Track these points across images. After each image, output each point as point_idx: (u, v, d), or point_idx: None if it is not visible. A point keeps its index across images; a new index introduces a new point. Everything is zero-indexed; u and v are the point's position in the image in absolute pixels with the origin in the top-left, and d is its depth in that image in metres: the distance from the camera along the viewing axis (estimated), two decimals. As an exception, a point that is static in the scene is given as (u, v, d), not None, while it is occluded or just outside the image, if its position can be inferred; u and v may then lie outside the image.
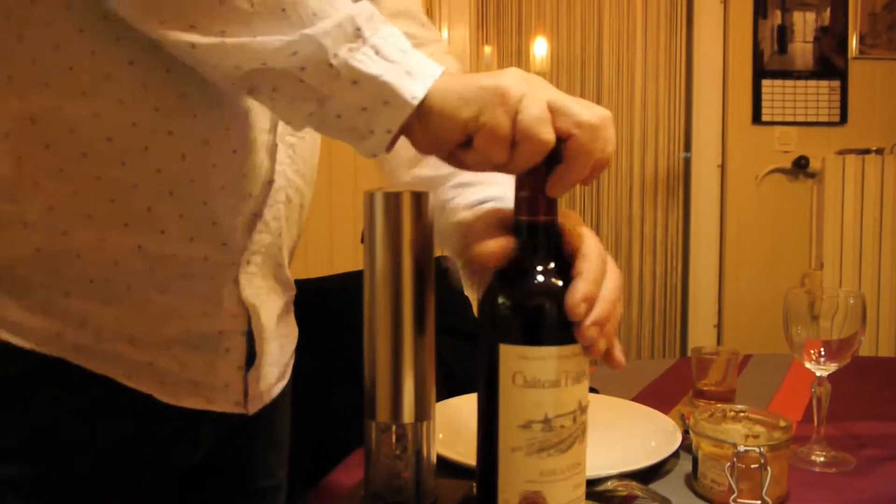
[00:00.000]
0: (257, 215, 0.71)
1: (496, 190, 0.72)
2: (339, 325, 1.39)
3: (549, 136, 0.54)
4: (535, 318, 0.58)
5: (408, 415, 0.62)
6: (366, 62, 0.54)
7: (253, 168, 0.70)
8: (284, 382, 0.86)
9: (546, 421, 0.57)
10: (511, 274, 0.59)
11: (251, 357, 0.75)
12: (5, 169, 0.61)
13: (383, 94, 0.54)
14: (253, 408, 0.77)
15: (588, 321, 0.56)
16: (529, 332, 0.58)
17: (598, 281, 0.58)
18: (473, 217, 0.68)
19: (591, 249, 0.59)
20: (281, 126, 0.71)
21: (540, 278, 0.59)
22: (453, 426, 0.90)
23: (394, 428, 0.63)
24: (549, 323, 0.58)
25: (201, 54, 0.55)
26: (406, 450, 0.63)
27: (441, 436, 0.87)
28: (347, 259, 2.77)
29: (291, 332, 0.86)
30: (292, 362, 0.88)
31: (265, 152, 0.70)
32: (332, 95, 0.55)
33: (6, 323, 0.63)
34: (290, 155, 0.74)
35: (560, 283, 0.58)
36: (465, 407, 0.97)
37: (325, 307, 1.45)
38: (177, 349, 0.69)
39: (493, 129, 0.54)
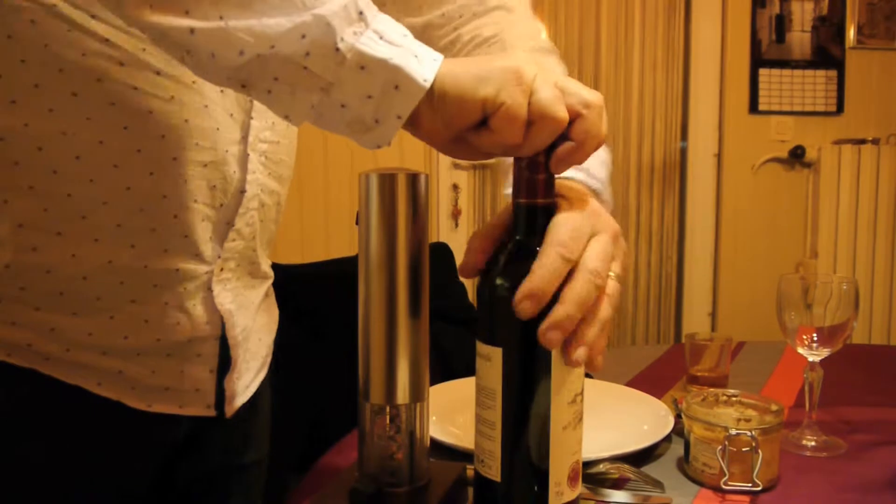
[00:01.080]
0: (229, 224, 0.71)
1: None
2: (334, 309, 1.39)
3: (564, 114, 0.54)
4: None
5: (402, 396, 0.62)
6: (372, 45, 0.51)
7: (224, 180, 0.69)
8: (264, 373, 0.86)
9: (581, 393, 0.61)
10: (515, 258, 0.59)
11: (226, 359, 0.75)
12: None
13: (394, 77, 0.52)
14: (232, 408, 0.78)
15: (544, 325, 0.55)
16: None
17: (551, 278, 0.55)
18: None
19: (551, 240, 0.56)
20: (252, 134, 0.71)
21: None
22: (447, 409, 0.91)
23: (388, 409, 0.63)
24: None
25: (201, 40, 0.51)
26: (400, 431, 0.63)
27: (434, 418, 0.88)
28: (343, 243, 2.77)
29: (271, 320, 0.86)
30: (271, 351, 0.88)
31: (236, 163, 0.70)
32: (337, 82, 0.52)
33: None
34: (263, 162, 0.73)
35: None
36: (458, 390, 0.97)
37: (321, 291, 1.46)
38: (147, 357, 0.69)
39: (511, 108, 0.53)
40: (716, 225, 3.09)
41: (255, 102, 0.70)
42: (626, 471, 0.76)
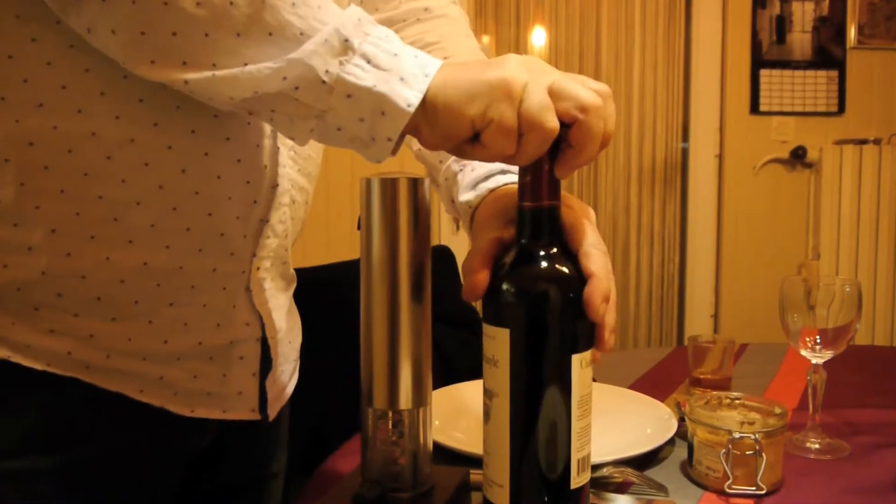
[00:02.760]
0: (264, 221, 0.70)
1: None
2: (336, 314, 1.39)
3: (553, 123, 0.54)
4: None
5: (404, 401, 0.62)
6: (358, 74, 0.54)
7: (257, 175, 0.69)
8: (296, 378, 0.86)
9: (590, 393, 0.62)
10: (522, 262, 0.60)
11: (266, 360, 0.75)
12: (7, 194, 0.60)
13: (379, 104, 0.54)
14: (273, 411, 0.77)
15: (608, 333, 0.61)
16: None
17: (611, 277, 0.61)
18: (477, 200, 0.72)
19: (597, 246, 0.61)
20: None
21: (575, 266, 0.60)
22: (449, 413, 0.91)
23: (390, 414, 0.63)
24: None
25: (196, 89, 0.56)
26: (403, 436, 0.63)
27: (437, 423, 0.88)
28: (344, 248, 2.77)
29: (297, 324, 0.86)
30: (299, 356, 0.88)
31: (268, 157, 0.69)
32: (329, 109, 0.55)
33: (17, 345, 0.62)
34: (293, 157, 0.73)
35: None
36: (461, 394, 0.97)
37: (322, 296, 1.45)
38: (189, 361, 0.69)
39: (500, 124, 0.54)
40: (717, 226, 3.09)
41: None
42: (630, 474, 0.76)
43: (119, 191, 0.62)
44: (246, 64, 0.54)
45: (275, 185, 0.71)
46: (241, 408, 0.73)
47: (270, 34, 0.54)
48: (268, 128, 0.69)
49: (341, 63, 0.54)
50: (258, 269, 0.71)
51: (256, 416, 0.74)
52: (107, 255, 0.63)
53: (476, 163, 0.74)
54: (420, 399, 0.63)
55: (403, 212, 0.60)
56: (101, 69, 0.60)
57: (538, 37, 3.07)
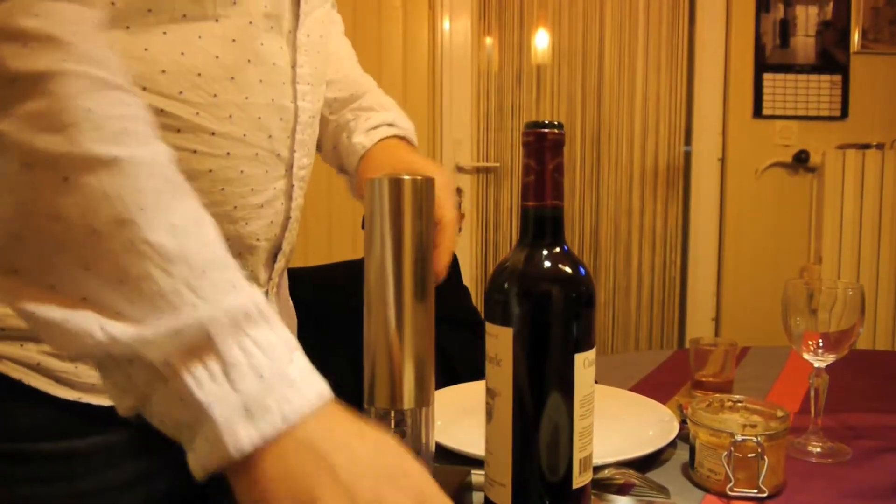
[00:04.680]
0: (279, 248, 0.75)
1: (389, 115, 0.88)
2: (339, 313, 1.39)
3: None
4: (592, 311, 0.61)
5: (407, 401, 0.62)
6: (201, 379, 0.42)
7: (276, 214, 0.73)
8: None
9: (592, 393, 0.62)
10: (542, 263, 0.60)
11: None
12: None
13: (206, 427, 0.42)
14: None
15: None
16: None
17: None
18: (370, 143, 0.84)
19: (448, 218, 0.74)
20: (295, 164, 0.74)
21: (581, 271, 0.61)
22: (451, 414, 0.91)
23: (392, 414, 0.63)
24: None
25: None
26: (405, 436, 0.63)
27: (439, 423, 0.87)
28: (346, 247, 2.77)
29: (290, 312, 0.89)
30: None
31: (283, 196, 0.73)
32: (154, 398, 0.44)
33: (83, 386, 0.63)
34: (301, 186, 0.77)
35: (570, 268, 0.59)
36: (463, 395, 0.97)
37: (325, 295, 1.46)
38: None
39: None
40: (719, 229, 3.09)
41: (297, 135, 0.73)
42: (632, 476, 0.76)
43: None
44: (84, 300, 0.42)
45: (289, 218, 0.75)
46: None
47: (121, 282, 0.42)
48: (283, 169, 0.72)
49: (190, 358, 0.42)
50: (273, 287, 0.76)
51: None
52: None
53: (371, 113, 0.88)
54: (423, 399, 0.63)
55: (408, 211, 0.60)
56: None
57: (541, 39, 3.07)
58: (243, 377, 0.42)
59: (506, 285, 0.60)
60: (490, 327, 0.60)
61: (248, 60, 0.65)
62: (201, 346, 0.42)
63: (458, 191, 2.97)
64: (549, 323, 0.59)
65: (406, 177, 0.60)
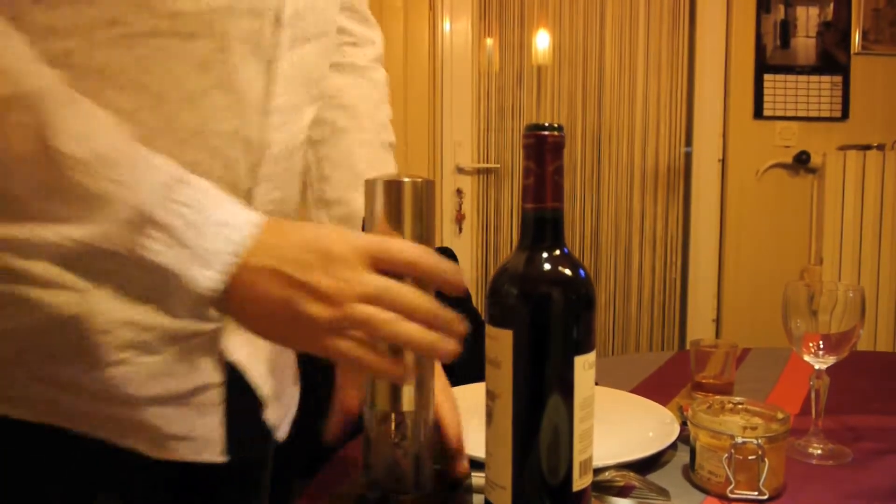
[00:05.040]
0: None
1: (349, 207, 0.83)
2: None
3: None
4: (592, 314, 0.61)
5: (407, 403, 0.62)
6: (153, 248, 0.51)
7: None
8: (299, 384, 0.87)
9: (592, 396, 0.62)
10: (543, 266, 0.60)
11: (253, 399, 0.75)
12: None
13: (173, 282, 0.52)
14: (283, 433, 0.79)
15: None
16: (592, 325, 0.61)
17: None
18: None
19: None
20: (257, 200, 0.70)
21: (581, 273, 0.60)
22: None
23: (393, 416, 0.63)
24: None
25: None
26: (405, 437, 0.63)
27: (440, 425, 0.87)
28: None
29: None
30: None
31: None
32: (119, 275, 0.53)
33: (11, 399, 0.62)
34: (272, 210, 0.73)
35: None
36: (463, 397, 0.97)
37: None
38: (163, 407, 0.69)
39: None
40: (720, 230, 3.09)
41: (262, 168, 0.69)
42: (632, 478, 0.76)
43: None
44: (32, 219, 0.50)
45: None
46: (211, 451, 0.73)
47: (58, 193, 0.50)
48: (242, 196, 0.68)
49: (137, 234, 0.51)
50: (230, 322, 0.72)
51: (224, 459, 0.74)
52: (92, 309, 0.63)
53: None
54: (423, 400, 0.63)
55: (408, 213, 0.60)
56: None
57: (542, 40, 3.07)
58: (185, 234, 0.51)
59: (506, 287, 0.60)
60: (490, 329, 0.60)
61: (215, 86, 0.62)
62: (143, 222, 0.51)
63: (459, 192, 2.97)
64: (548, 325, 0.59)
65: (406, 179, 0.60)
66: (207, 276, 0.52)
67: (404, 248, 0.56)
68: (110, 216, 0.50)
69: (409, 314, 0.55)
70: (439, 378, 0.77)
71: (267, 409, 0.77)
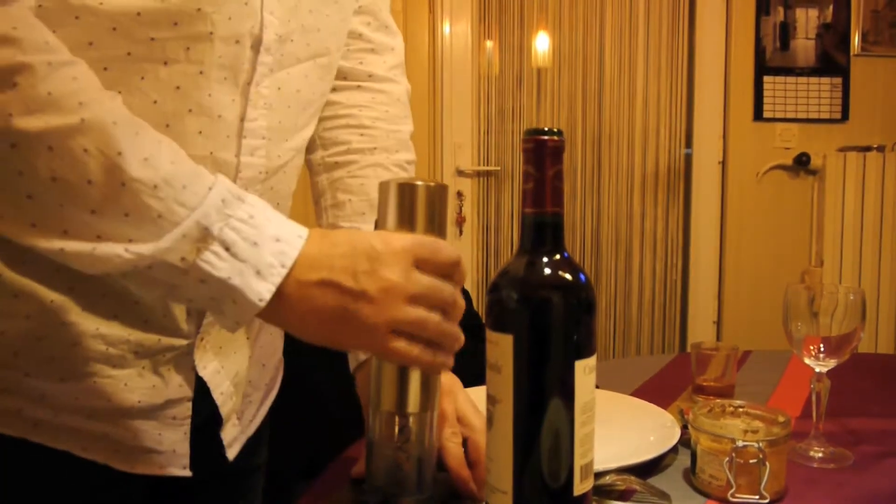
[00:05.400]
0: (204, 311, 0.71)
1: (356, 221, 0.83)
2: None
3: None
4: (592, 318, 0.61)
5: (413, 404, 0.62)
6: (214, 262, 0.55)
7: None
8: (274, 394, 0.86)
9: (593, 401, 0.61)
10: (545, 272, 0.60)
11: (215, 416, 0.75)
12: None
13: (230, 294, 0.55)
14: (233, 453, 0.78)
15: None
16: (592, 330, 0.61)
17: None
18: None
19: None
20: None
21: (582, 278, 0.60)
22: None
23: (397, 419, 0.63)
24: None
25: (68, 258, 0.55)
26: (409, 440, 0.63)
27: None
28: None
29: (275, 337, 0.86)
30: (282, 367, 0.88)
31: None
32: (182, 286, 0.56)
33: None
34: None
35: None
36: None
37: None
38: (129, 420, 0.69)
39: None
40: (720, 232, 3.09)
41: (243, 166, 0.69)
42: (633, 482, 0.76)
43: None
44: (99, 237, 0.53)
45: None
46: (175, 465, 0.73)
47: (127, 215, 0.53)
48: None
49: (199, 250, 0.55)
50: (202, 339, 0.72)
51: (188, 474, 0.74)
52: (63, 320, 0.63)
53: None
54: (428, 403, 0.63)
55: (420, 216, 0.60)
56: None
57: (542, 42, 3.07)
58: (242, 249, 0.55)
59: (506, 292, 0.60)
60: (490, 334, 0.60)
61: (190, 110, 0.62)
62: (203, 238, 0.54)
63: (459, 194, 2.98)
64: (549, 330, 0.59)
65: (419, 182, 0.60)
66: (263, 288, 0.56)
67: (447, 248, 0.60)
68: (176, 234, 0.54)
69: (451, 313, 0.60)
70: (461, 393, 0.78)
71: (223, 427, 0.76)
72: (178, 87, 0.61)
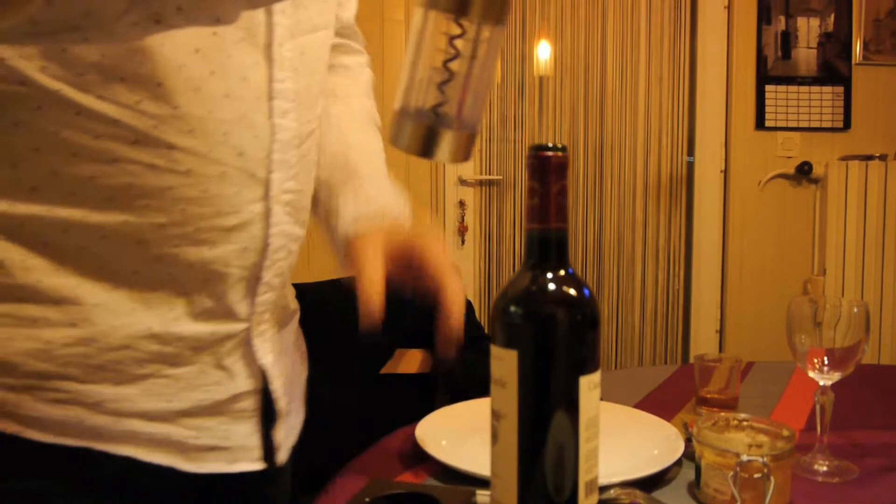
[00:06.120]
0: (259, 279, 0.70)
1: (381, 199, 0.83)
2: (343, 329, 1.39)
3: None
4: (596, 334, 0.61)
5: (476, 13, 0.49)
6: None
7: (251, 239, 0.68)
8: (304, 409, 0.86)
9: (597, 416, 0.61)
10: (549, 288, 0.60)
11: (271, 411, 0.75)
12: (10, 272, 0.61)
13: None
14: (281, 459, 0.78)
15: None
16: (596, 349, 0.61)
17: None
18: (354, 236, 0.78)
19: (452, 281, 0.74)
20: (275, 188, 0.69)
21: (586, 293, 0.60)
22: (457, 433, 0.90)
23: (452, 26, 0.50)
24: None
25: None
26: (459, 56, 0.50)
27: (444, 443, 0.87)
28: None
29: (302, 355, 0.86)
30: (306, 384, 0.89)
31: (261, 220, 0.69)
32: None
33: (24, 419, 0.62)
34: (289, 212, 0.72)
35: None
36: (468, 413, 0.97)
37: (329, 309, 1.46)
38: (192, 418, 0.69)
39: None
40: (723, 241, 3.09)
41: (275, 155, 0.68)
42: (638, 496, 0.76)
43: (118, 264, 0.63)
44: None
45: (266, 245, 0.70)
46: (246, 459, 0.73)
47: None
48: (260, 191, 0.68)
49: None
50: (258, 324, 0.72)
51: (262, 466, 0.74)
52: (114, 323, 0.63)
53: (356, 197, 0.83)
54: (494, 12, 0.50)
55: None
56: (88, 154, 0.60)
57: (543, 51, 3.08)
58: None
59: (510, 308, 0.60)
60: (495, 350, 0.60)
61: (212, 72, 0.62)
62: None
63: (461, 203, 2.98)
64: (553, 346, 0.59)
65: None
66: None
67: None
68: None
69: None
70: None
71: (276, 425, 0.76)
72: (197, 50, 0.61)
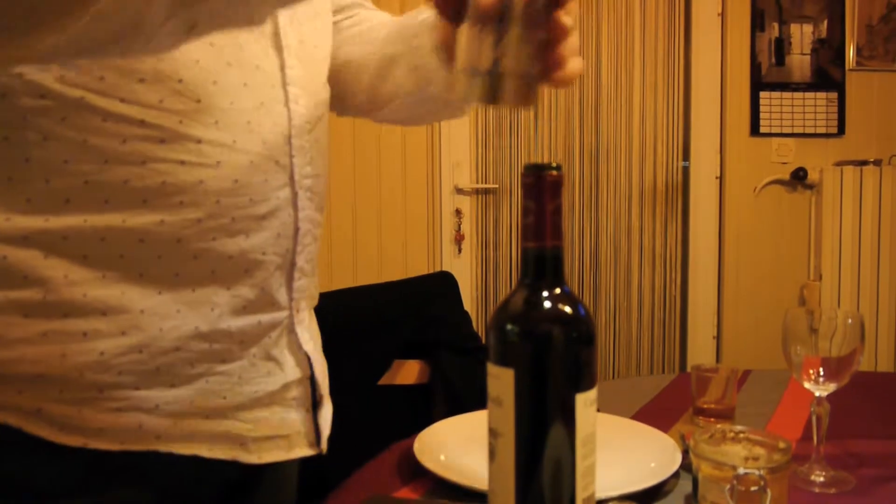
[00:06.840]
0: (293, 265, 0.72)
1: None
2: (337, 341, 1.39)
3: None
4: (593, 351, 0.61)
5: None
6: None
7: (283, 225, 0.70)
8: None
9: (594, 432, 0.61)
10: (543, 304, 0.60)
11: (315, 397, 0.77)
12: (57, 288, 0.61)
13: None
14: (324, 445, 0.79)
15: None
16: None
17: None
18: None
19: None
20: (297, 172, 0.71)
21: (581, 311, 0.60)
22: (455, 446, 0.91)
23: None
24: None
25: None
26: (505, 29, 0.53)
27: (443, 457, 0.88)
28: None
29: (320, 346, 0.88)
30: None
31: (289, 206, 0.71)
32: None
33: (88, 431, 0.62)
34: (309, 196, 0.73)
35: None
36: (466, 426, 0.97)
37: (337, 319, 1.46)
38: (247, 411, 0.70)
39: None
40: (719, 247, 3.09)
41: (293, 140, 0.70)
42: (635, 510, 0.76)
43: (157, 266, 0.63)
44: None
45: (297, 229, 0.72)
46: (301, 445, 0.75)
47: None
48: (285, 177, 0.70)
49: None
50: (297, 311, 0.74)
51: (316, 451, 0.76)
52: (161, 325, 0.63)
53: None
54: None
55: None
56: (118, 159, 0.60)
57: (539, 60, 3.09)
58: None
59: (507, 326, 0.60)
60: (492, 368, 0.61)
61: (228, 63, 0.63)
62: None
63: (458, 212, 2.98)
64: (549, 364, 0.59)
65: None
66: None
67: None
68: None
69: None
70: None
71: (321, 410, 0.77)
72: (211, 44, 0.62)
